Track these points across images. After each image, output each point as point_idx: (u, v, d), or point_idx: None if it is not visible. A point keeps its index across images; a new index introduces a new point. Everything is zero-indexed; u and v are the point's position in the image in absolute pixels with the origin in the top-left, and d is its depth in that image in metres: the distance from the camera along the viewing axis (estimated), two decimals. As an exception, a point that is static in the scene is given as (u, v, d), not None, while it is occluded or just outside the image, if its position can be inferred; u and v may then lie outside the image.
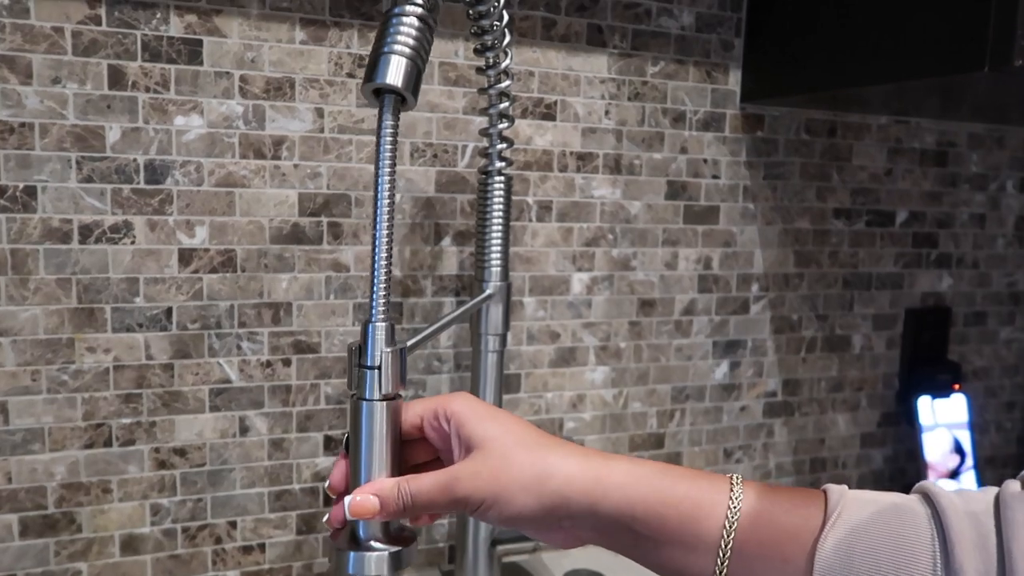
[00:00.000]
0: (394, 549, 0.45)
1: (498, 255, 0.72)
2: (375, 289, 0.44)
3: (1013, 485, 0.40)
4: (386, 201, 0.44)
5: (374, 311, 0.44)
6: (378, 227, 0.44)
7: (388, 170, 0.44)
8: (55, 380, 0.67)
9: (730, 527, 0.41)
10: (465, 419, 0.44)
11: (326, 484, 0.48)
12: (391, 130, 0.45)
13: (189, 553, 0.73)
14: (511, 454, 0.42)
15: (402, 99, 0.46)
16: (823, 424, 1.00)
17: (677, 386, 0.91)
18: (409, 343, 0.47)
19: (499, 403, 0.74)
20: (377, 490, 0.43)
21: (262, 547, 0.76)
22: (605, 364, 0.87)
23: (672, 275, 0.89)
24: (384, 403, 0.45)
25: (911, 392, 1.01)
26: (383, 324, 0.45)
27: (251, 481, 0.75)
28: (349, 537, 0.46)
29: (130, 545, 0.71)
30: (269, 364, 0.74)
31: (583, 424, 0.87)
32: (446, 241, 0.79)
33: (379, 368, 0.44)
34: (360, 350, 0.45)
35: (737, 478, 0.43)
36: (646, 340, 0.89)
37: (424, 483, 0.43)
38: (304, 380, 0.75)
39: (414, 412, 0.47)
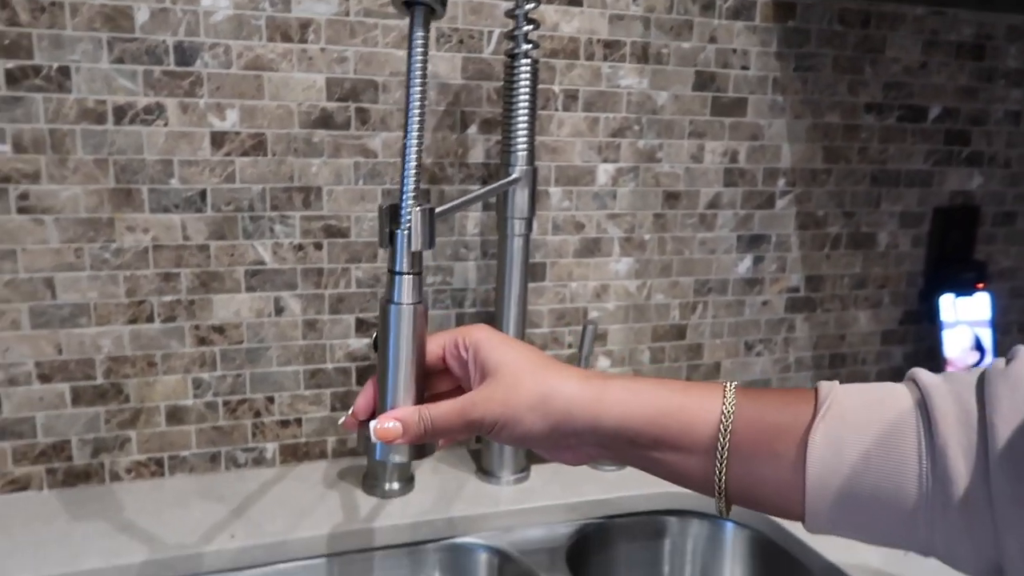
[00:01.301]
0: None
1: (524, 139, 0.72)
2: (406, 178, 0.46)
3: (998, 363, 0.40)
4: (416, 113, 0.45)
5: (404, 203, 0.46)
6: (409, 137, 0.45)
7: (419, 83, 0.46)
8: (98, 258, 0.70)
9: (725, 430, 0.42)
10: (481, 346, 0.47)
11: (349, 411, 0.50)
12: (422, 42, 0.46)
13: (230, 425, 0.78)
14: (520, 378, 0.45)
15: (431, 9, 0.47)
16: (844, 320, 1.01)
17: (700, 279, 0.93)
18: (437, 210, 0.48)
19: (524, 290, 0.76)
20: (400, 416, 0.46)
21: (299, 422, 0.80)
22: (629, 255, 0.89)
23: (698, 168, 0.89)
24: (411, 307, 0.47)
25: (934, 291, 1.01)
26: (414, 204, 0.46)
27: (287, 359, 0.78)
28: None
29: (175, 416, 0.76)
30: (301, 247, 0.76)
31: (606, 314, 0.89)
32: (472, 129, 0.79)
33: (409, 230, 0.46)
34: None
35: (731, 384, 0.44)
36: (670, 232, 0.90)
37: (443, 409, 0.46)
38: (335, 264, 0.77)
39: (436, 343, 0.49)
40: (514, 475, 0.79)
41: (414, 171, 0.46)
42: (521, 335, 0.77)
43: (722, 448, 0.42)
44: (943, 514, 0.38)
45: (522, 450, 0.79)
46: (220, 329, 0.75)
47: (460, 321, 0.83)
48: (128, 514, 0.69)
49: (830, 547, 0.68)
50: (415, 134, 0.46)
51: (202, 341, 0.75)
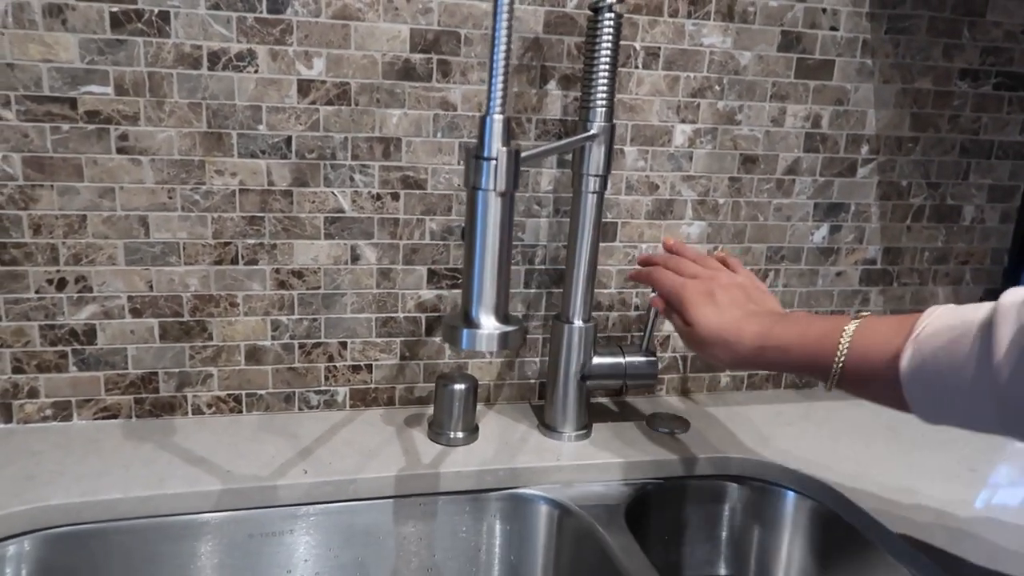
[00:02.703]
0: (503, 329, 0.49)
1: (604, 95, 0.72)
2: (493, 80, 0.46)
3: None
4: (504, 33, 0.46)
5: (492, 103, 0.46)
6: (498, 20, 0.45)
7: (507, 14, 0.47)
8: (188, 199, 0.73)
9: (843, 345, 0.56)
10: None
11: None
12: None
13: (305, 367, 0.81)
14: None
15: None
16: (922, 296, 0.98)
17: (773, 246, 0.91)
18: (523, 154, 0.49)
19: (595, 249, 0.77)
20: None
21: (369, 368, 0.82)
22: (702, 219, 0.88)
23: (778, 132, 0.87)
24: (497, 196, 0.47)
25: (1020, 269, 0.98)
26: (500, 117, 0.47)
27: (360, 307, 0.80)
28: (462, 317, 0.50)
29: (253, 355, 0.79)
30: (379, 197, 0.78)
31: (676, 277, 0.89)
32: (551, 84, 0.79)
33: (495, 160, 0.47)
34: (477, 143, 0.47)
35: (851, 326, 0.57)
36: (745, 197, 0.88)
37: (676, 320, 0.69)
38: (411, 215, 0.79)
39: None
40: (576, 431, 0.80)
41: (502, 80, 0.47)
42: (589, 295, 0.78)
43: (833, 377, 0.57)
44: (1006, 412, 0.47)
45: (584, 408, 0.80)
46: (299, 274, 0.78)
47: (529, 278, 0.84)
48: (208, 445, 0.73)
49: (896, 521, 0.67)
50: (504, 27, 0.47)
51: (282, 285, 0.78)
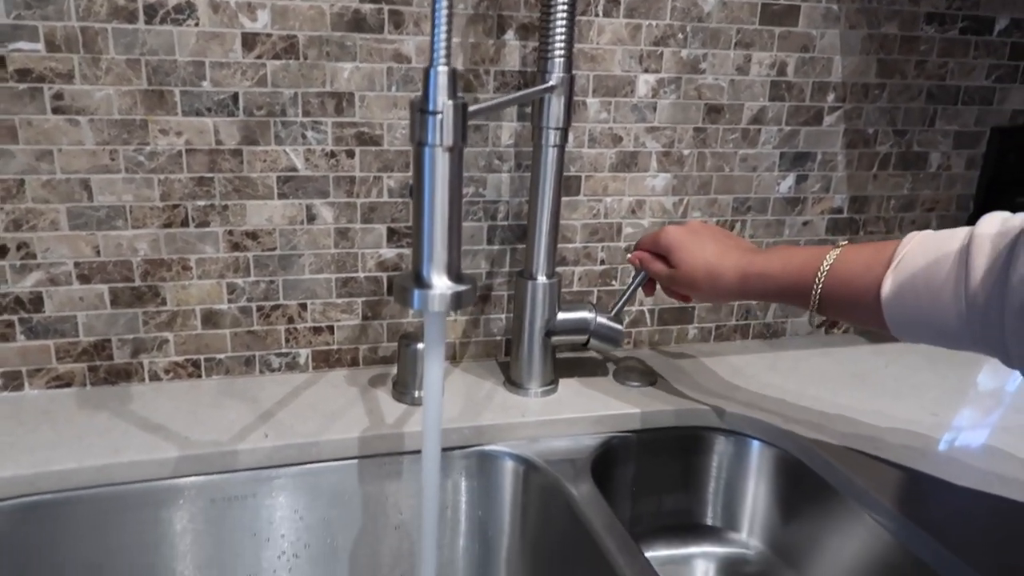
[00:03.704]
0: (455, 288, 0.48)
1: (562, 45, 0.70)
2: (436, 30, 0.44)
3: None
4: None
5: (436, 55, 0.44)
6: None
7: None
8: (132, 160, 0.70)
9: (822, 271, 0.60)
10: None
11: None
12: None
13: (264, 330, 0.79)
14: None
15: None
16: (888, 244, 0.98)
17: (740, 197, 0.90)
18: (472, 108, 0.47)
19: (557, 204, 0.75)
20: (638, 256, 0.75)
21: (331, 329, 0.81)
22: (667, 171, 0.86)
23: (743, 80, 0.85)
24: (444, 151, 0.46)
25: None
26: (444, 69, 0.45)
27: (319, 267, 0.78)
28: (413, 276, 0.49)
29: (210, 319, 0.77)
30: (333, 154, 0.75)
31: (641, 230, 0.87)
32: (509, 35, 0.77)
33: (440, 114, 0.45)
34: (421, 97, 0.45)
35: (831, 255, 0.60)
36: (711, 148, 0.87)
37: (658, 266, 0.73)
38: (367, 172, 0.77)
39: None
40: (541, 387, 0.79)
41: (445, 30, 0.44)
42: (552, 250, 0.77)
43: (817, 282, 0.60)
44: (980, 335, 0.51)
45: (549, 364, 0.79)
46: (253, 235, 0.76)
47: (492, 235, 0.83)
48: (166, 412, 0.72)
49: (859, 468, 0.68)
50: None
51: (235, 247, 0.76)
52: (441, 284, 0.49)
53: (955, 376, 0.89)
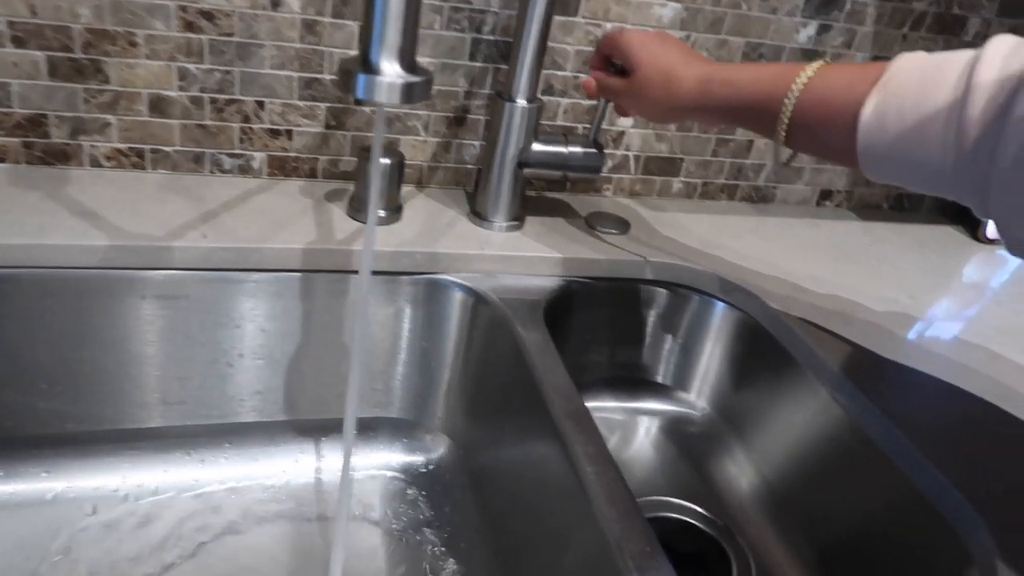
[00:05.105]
0: (408, 79, 0.42)
1: None
2: None
3: None
4: None
5: None
6: None
7: None
8: (69, -92, 0.62)
9: (797, 85, 0.51)
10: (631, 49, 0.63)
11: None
12: None
13: (217, 126, 0.73)
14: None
15: None
16: (904, 116, 0.90)
17: (753, 41, 0.82)
18: None
19: (547, 22, 0.68)
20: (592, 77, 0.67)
21: (289, 134, 0.75)
22: (678, 1, 0.78)
23: (778, -97, 0.75)
24: None
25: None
26: None
27: (281, 62, 0.71)
28: (361, 59, 0.43)
29: (158, 107, 0.71)
30: (301, -69, 0.66)
31: (638, 66, 0.80)
32: None
33: None
34: None
35: (812, 65, 0.51)
36: (729, -20, 0.78)
37: (613, 81, 0.65)
38: (339, -42, 0.68)
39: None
40: (507, 221, 0.75)
41: None
42: (537, 72, 0.70)
43: (782, 122, 0.52)
44: (965, 172, 0.44)
45: (518, 197, 0.74)
46: (209, 15, 0.68)
47: (475, 49, 0.75)
48: (103, 200, 0.67)
49: (825, 342, 0.65)
50: None
51: (189, 26, 0.68)
52: (391, 71, 0.42)
53: (942, 262, 0.84)
